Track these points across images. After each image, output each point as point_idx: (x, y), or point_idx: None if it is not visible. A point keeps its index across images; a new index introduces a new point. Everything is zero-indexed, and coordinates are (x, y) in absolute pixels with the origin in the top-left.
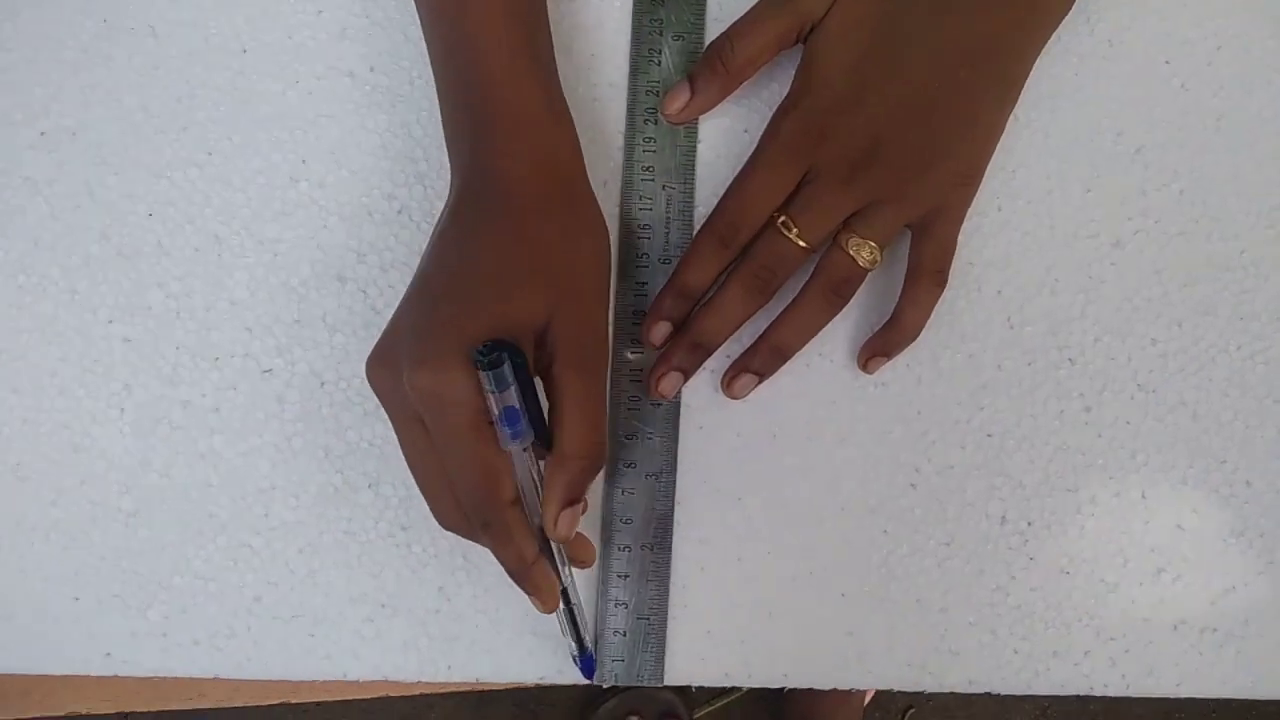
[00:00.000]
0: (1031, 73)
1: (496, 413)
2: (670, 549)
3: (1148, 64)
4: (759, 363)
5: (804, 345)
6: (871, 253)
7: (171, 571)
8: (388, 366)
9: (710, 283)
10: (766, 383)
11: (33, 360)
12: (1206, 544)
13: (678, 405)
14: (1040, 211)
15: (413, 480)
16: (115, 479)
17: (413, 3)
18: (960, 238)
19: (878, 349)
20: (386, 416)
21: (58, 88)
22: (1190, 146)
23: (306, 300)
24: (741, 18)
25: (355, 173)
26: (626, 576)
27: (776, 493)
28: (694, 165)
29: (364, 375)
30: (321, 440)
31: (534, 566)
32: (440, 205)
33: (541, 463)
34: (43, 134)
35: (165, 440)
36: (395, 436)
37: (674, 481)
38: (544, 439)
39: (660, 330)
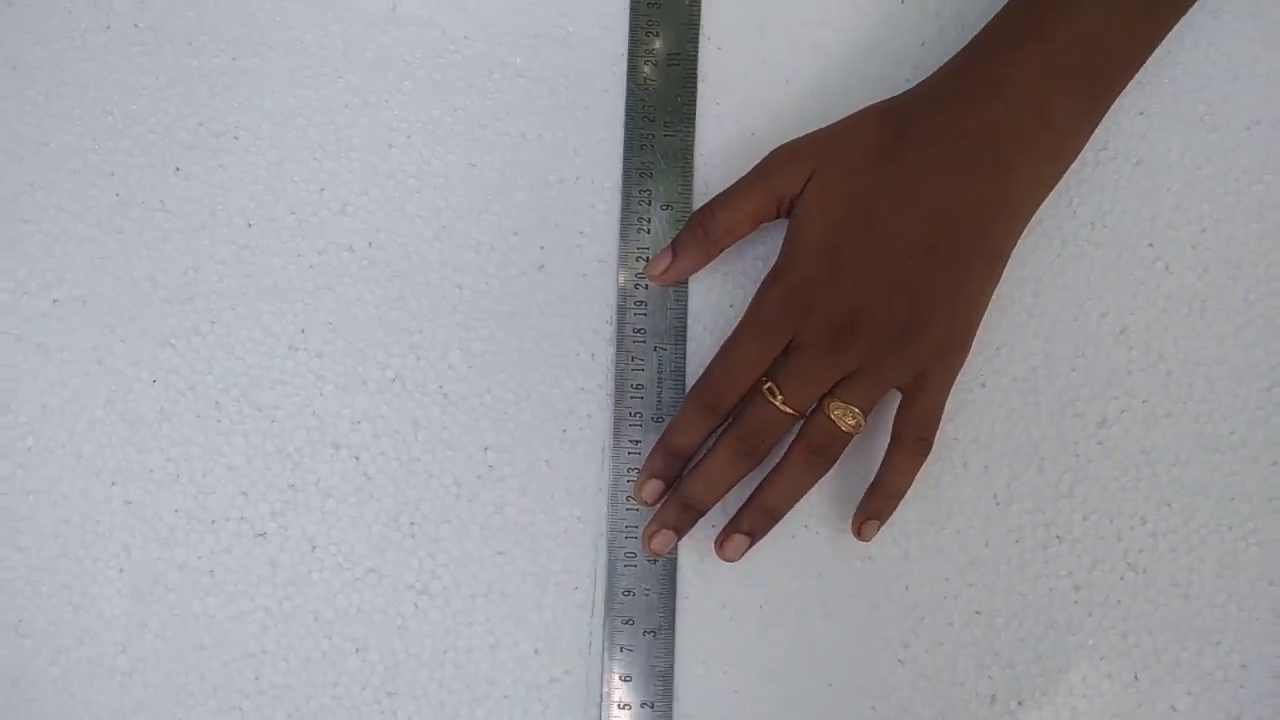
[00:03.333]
0: (1014, 254)
1: None
2: (671, 710)
3: (1131, 246)
4: (749, 524)
5: (793, 505)
6: (855, 418)
7: None
8: None
9: (699, 444)
10: (752, 553)
11: (38, 521)
12: None
13: (674, 562)
14: (1025, 389)
15: (399, 647)
16: (112, 639)
17: (408, 180)
18: (945, 413)
19: (870, 513)
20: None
21: (71, 258)
22: (1175, 329)
23: (300, 466)
24: (724, 190)
25: (351, 343)
26: None
27: (764, 666)
28: (685, 327)
29: (353, 540)
30: (311, 605)
31: None
32: (434, 375)
33: None
34: (55, 302)
35: (161, 601)
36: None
37: (673, 638)
38: None
39: (651, 488)
